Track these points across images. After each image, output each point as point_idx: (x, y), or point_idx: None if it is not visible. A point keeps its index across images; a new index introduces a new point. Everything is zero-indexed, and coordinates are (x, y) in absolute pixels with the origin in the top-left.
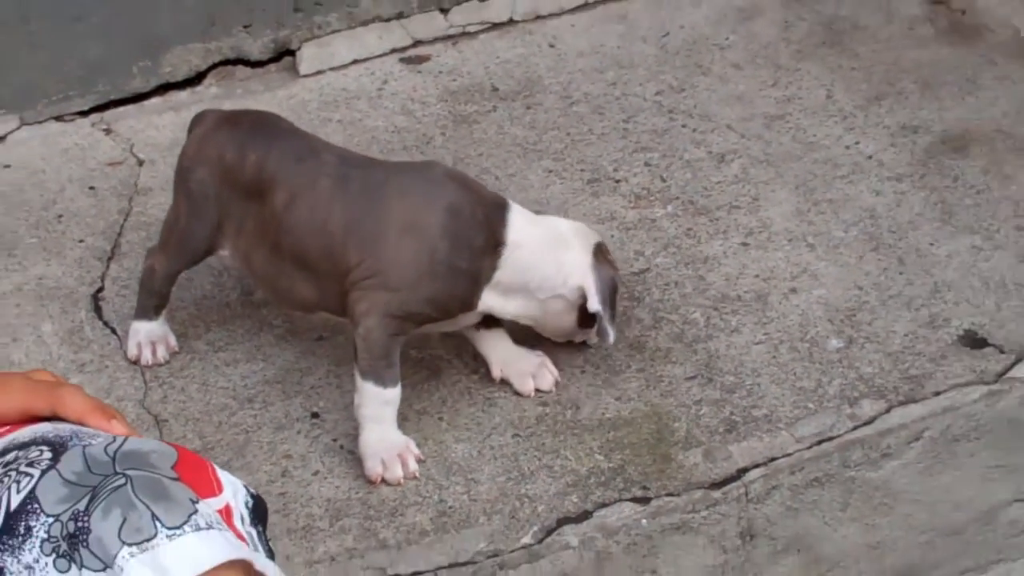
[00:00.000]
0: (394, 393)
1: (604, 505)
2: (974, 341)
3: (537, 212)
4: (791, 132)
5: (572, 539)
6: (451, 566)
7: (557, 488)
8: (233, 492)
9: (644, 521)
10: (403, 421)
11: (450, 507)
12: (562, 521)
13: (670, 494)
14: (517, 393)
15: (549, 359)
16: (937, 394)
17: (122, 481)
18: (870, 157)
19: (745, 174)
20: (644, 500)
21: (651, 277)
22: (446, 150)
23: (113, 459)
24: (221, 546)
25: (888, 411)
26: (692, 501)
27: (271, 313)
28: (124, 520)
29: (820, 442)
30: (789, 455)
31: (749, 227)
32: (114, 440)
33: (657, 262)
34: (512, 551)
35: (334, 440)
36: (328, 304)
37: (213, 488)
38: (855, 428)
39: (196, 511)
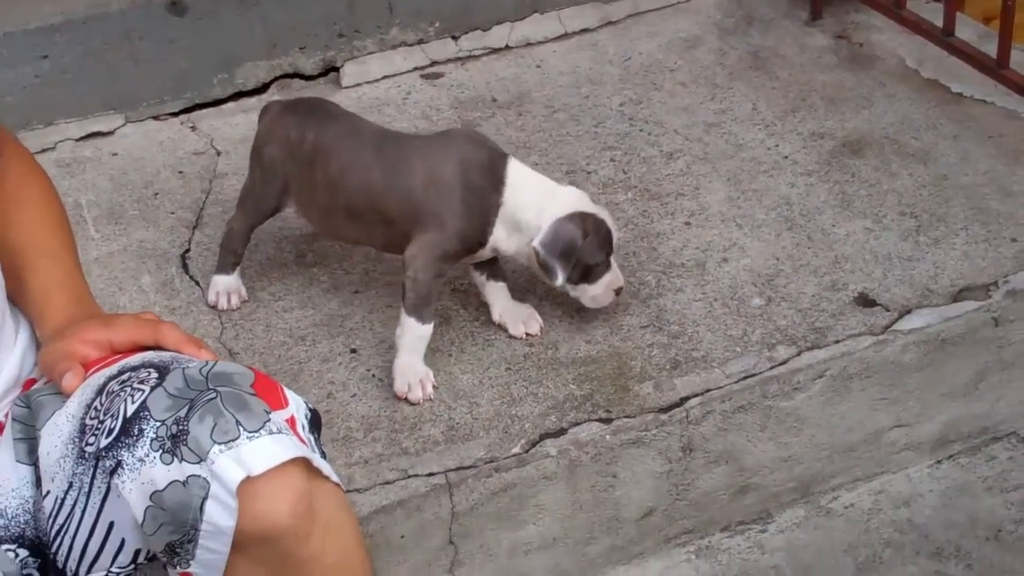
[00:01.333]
0: (429, 329)
1: (576, 424)
2: (866, 301)
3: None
4: (725, 136)
5: (551, 450)
6: (458, 469)
7: (540, 410)
8: (296, 407)
9: (607, 437)
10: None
11: (457, 423)
12: (544, 436)
13: (628, 416)
14: (510, 336)
15: (536, 310)
16: (837, 342)
17: (213, 395)
18: (786, 156)
19: (689, 169)
20: (607, 421)
21: (626, 245)
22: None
23: (206, 378)
24: (288, 446)
25: (799, 355)
26: (645, 422)
27: (320, 271)
28: (215, 425)
29: (745, 378)
30: (721, 388)
31: (691, 210)
32: (206, 364)
33: (619, 236)
34: (505, 458)
35: (368, 371)
36: (372, 240)
37: (281, 402)
38: (772, 368)
39: (269, 419)
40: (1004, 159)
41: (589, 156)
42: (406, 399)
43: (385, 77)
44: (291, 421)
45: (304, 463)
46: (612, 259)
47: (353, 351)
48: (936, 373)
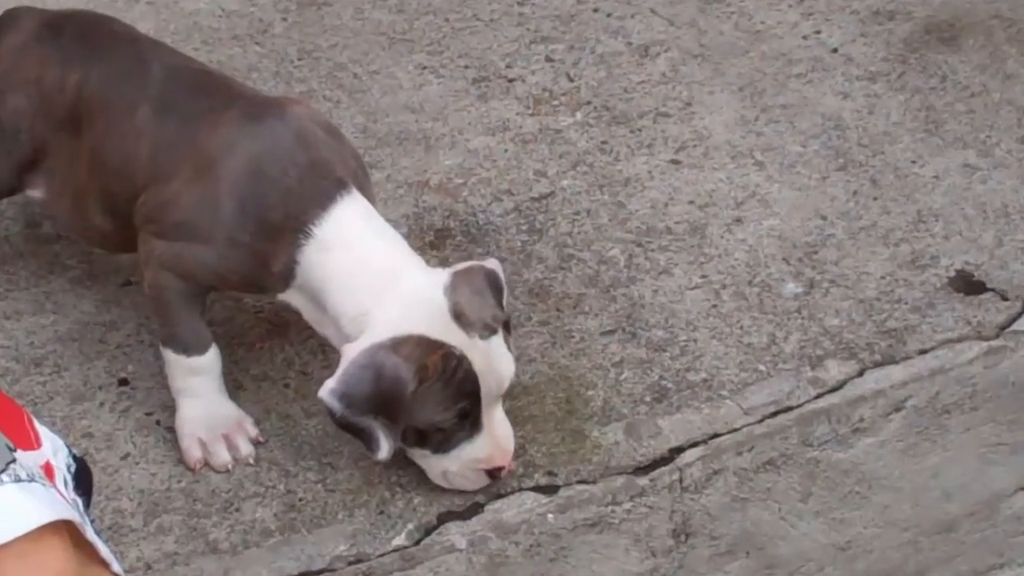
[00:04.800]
0: (202, 361)
1: (499, 496)
2: (969, 285)
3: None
4: (732, 18)
5: (459, 539)
6: (303, 575)
7: None
8: (53, 450)
9: (551, 516)
10: (237, 390)
11: (300, 499)
12: (445, 516)
13: (583, 481)
14: None
15: None
16: (923, 352)
17: None
18: (835, 51)
19: (675, 72)
20: (550, 489)
21: (556, 203)
22: (289, 40)
23: None
24: (48, 503)
25: (860, 374)
26: (611, 490)
27: (65, 251)
28: None
29: (775, 414)
30: (735, 430)
31: (681, 140)
32: None
33: (564, 184)
34: (381, 555)
35: (148, 414)
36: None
37: (31, 440)
38: (818, 396)
39: (14, 460)
40: None
41: (511, 54)
42: (208, 467)
43: None
44: (47, 469)
45: (68, 533)
46: (488, 414)
47: (124, 383)
48: None
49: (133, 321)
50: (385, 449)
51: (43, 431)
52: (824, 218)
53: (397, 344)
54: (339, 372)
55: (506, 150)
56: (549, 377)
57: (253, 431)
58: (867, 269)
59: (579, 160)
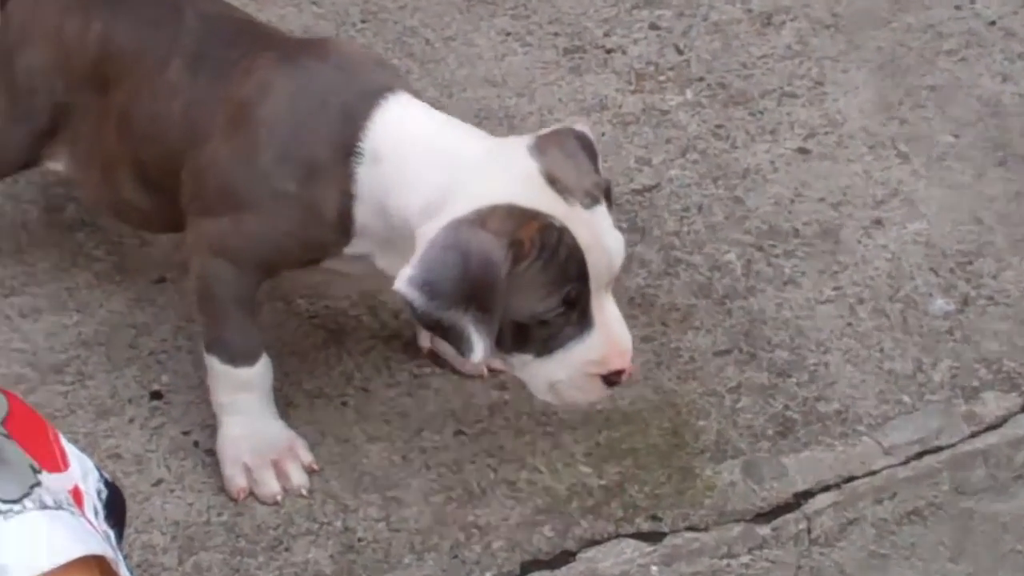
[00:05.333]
0: (252, 372)
1: (594, 543)
2: None
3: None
4: None
5: None
6: None
7: (522, 515)
8: (82, 472)
9: (654, 568)
10: (288, 407)
11: (360, 539)
12: (529, 565)
13: (693, 528)
14: (458, 372)
15: None
16: None
17: None
18: (992, 23)
19: (803, 45)
20: (654, 536)
21: (661, 198)
22: (351, 1)
23: None
24: (77, 535)
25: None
26: (726, 540)
27: (91, 239)
28: None
29: (920, 455)
30: (873, 473)
31: (810, 125)
32: None
33: (671, 175)
34: None
35: (184, 433)
36: (177, 226)
37: (57, 460)
38: (973, 435)
39: (39, 483)
40: None
41: (609, 20)
42: (254, 497)
43: None
44: (76, 494)
45: (99, 570)
46: (598, 306)
47: (156, 395)
48: None
49: (169, 324)
50: (479, 349)
51: (71, 450)
52: (980, 222)
53: (483, 217)
54: (417, 256)
55: (604, 133)
56: (653, 404)
57: (306, 457)
58: None
59: (689, 146)
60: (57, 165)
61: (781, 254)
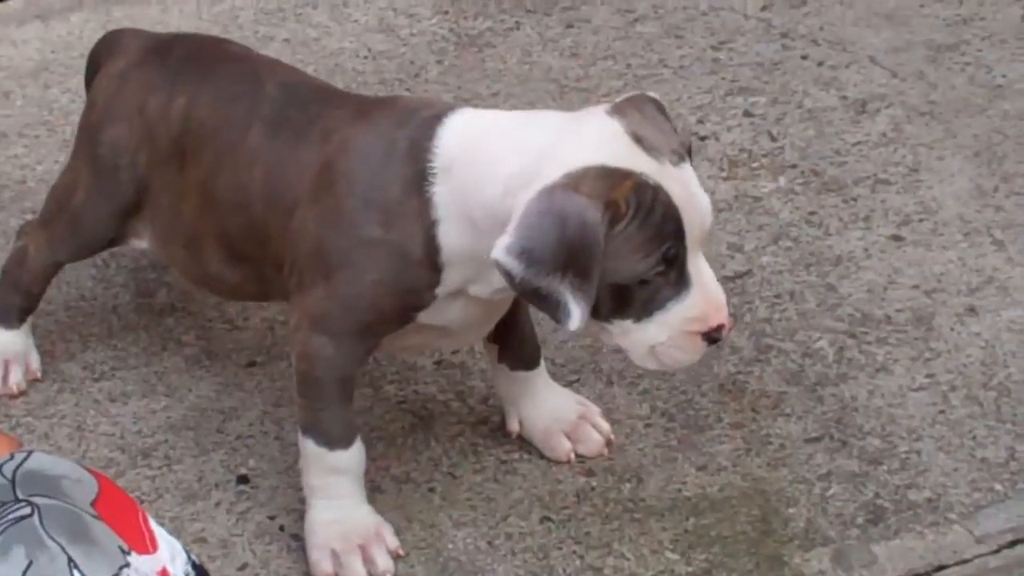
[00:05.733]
0: (347, 456)
1: None
2: None
3: None
4: (968, 70)
5: None
6: None
7: None
8: (171, 555)
9: None
10: (375, 492)
11: None
12: None
13: None
14: (547, 458)
15: (598, 408)
16: None
17: (27, 510)
18: None
19: (898, 132)
20: None
21: (754, 284)
22: (443, 85)
23: (12, 481)
24: None
25: None
26: None
27: (180, 324)
28: (30, 563)
29: (1013, 543)
30: (965, 561)
31: (904, 212)
32: (9, 458)
33: (763, 262)
34: None
35: (271, 517)
36: (265, 292)
37: (145, 542)
38: None
39: (128, 564)
40: None
41: (704, 106)
42: None
43: None
44: None
45: None
46: (693, 264)
47: (243, 480)
48: None
49: (256, 409)
50: (577, 316)
51: (159, 532)
52: None
53: (575, 180)
54: (513, 224)
55: None
56: (742, 490)
57: (393, 542)
58: None
59: (782, 233)
60: (141, 243)
61: (874, 341)
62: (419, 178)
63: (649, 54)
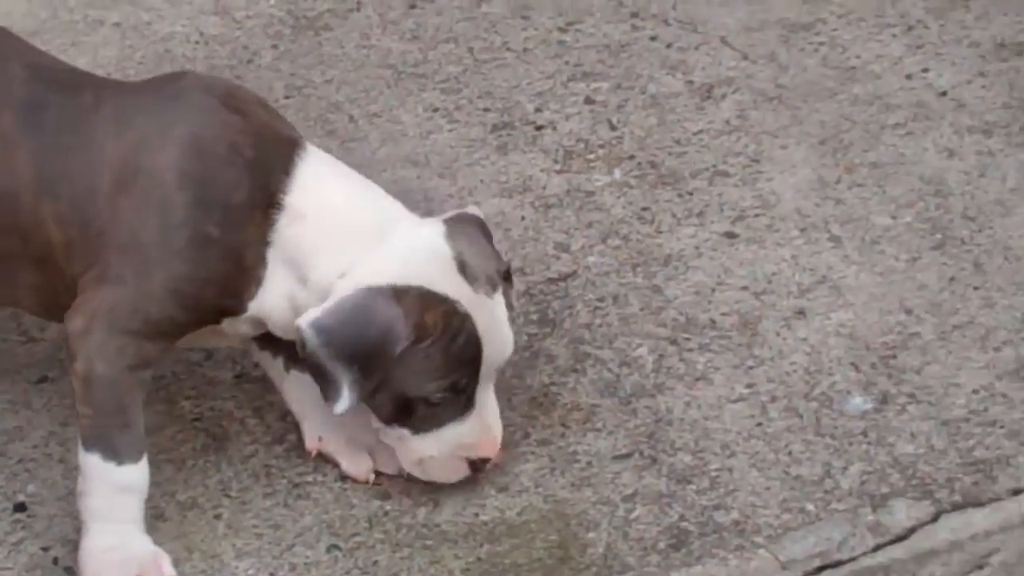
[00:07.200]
0: (134, 473)
1: None
2: None
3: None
4: (821, 51)
5: None
6: None
7: None
8: None
9: None
10: (158, 521)
11: None
12: None
13: None
14: (343, 476)
15: None
16: (1016, 493)
17: None
18: (944, 94)
19: (742, 119)
20: None
21: (577, 287)
22: (276, 73)
23: None
24: None
25: (934, 519)
26: None
27: None
28: None
29: (819, 569)
30: None
31: (740, 207)
32: None
33: (589, 262)
34: None
35: (44, 549)
36: (18, 297)
37: None
38: (877, 548)
39: None
40: None
41: (544, 93)
42: None
43: None
44: None
45: None
46: (481, 392)
47: (20, 508)
48: None
49: (43, 429)
50: (345, 402)
51: None
52: (909, 312)
53: (399, 293)
54: (328, 304)
55: (523, 216)
56: (542, 513)
57: (170, 573)
58: (957, 380)
59: (611, 231)
60: None
61: (695, 348)
62: (268, 198)
63: (493, 36)
